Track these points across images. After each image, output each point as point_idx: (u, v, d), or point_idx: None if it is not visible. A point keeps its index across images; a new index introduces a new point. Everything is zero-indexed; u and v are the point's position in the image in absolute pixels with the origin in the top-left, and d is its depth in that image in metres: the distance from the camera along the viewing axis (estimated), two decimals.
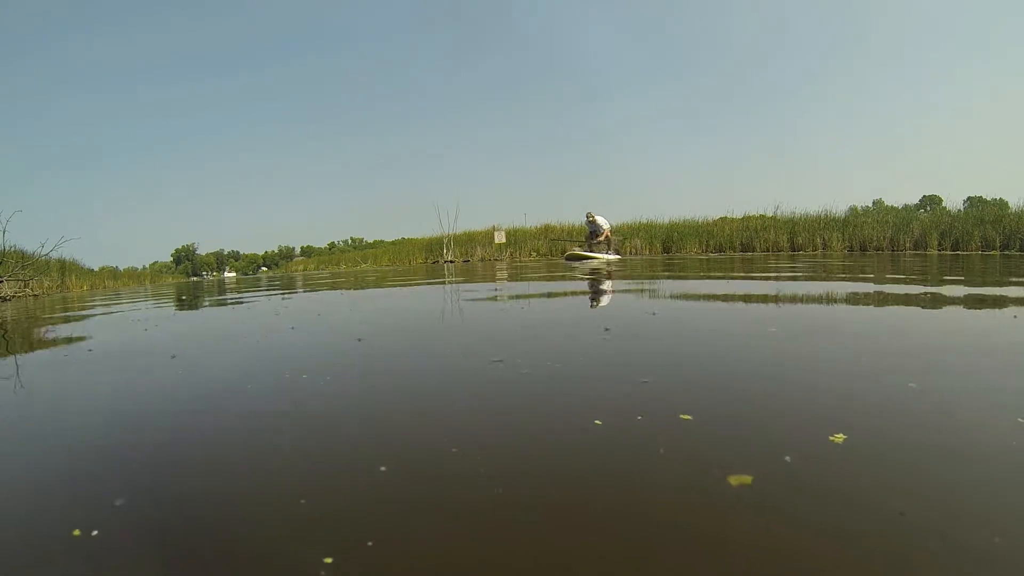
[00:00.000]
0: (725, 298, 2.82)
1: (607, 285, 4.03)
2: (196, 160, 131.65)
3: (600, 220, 12.17)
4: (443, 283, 5.26)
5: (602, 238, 12.14)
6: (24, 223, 36.54)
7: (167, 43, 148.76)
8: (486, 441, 0.86)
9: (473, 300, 3.32)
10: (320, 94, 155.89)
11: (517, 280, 5.24)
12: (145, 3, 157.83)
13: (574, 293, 3.59)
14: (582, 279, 4.88)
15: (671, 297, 2.98)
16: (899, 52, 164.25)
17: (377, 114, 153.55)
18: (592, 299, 3.15)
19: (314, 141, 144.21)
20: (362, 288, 5.38)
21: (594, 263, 9.74)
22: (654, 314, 2.22)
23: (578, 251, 12.01)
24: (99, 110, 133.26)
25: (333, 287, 5.95)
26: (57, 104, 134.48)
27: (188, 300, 5.41)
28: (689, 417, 0.90)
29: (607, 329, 1.83)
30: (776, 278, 4.11)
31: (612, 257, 11.75)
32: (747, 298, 2.78)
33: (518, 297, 3.38)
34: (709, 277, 4.53)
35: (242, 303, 4.43)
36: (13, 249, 10.23)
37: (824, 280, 3.86)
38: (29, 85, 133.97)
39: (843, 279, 3.90)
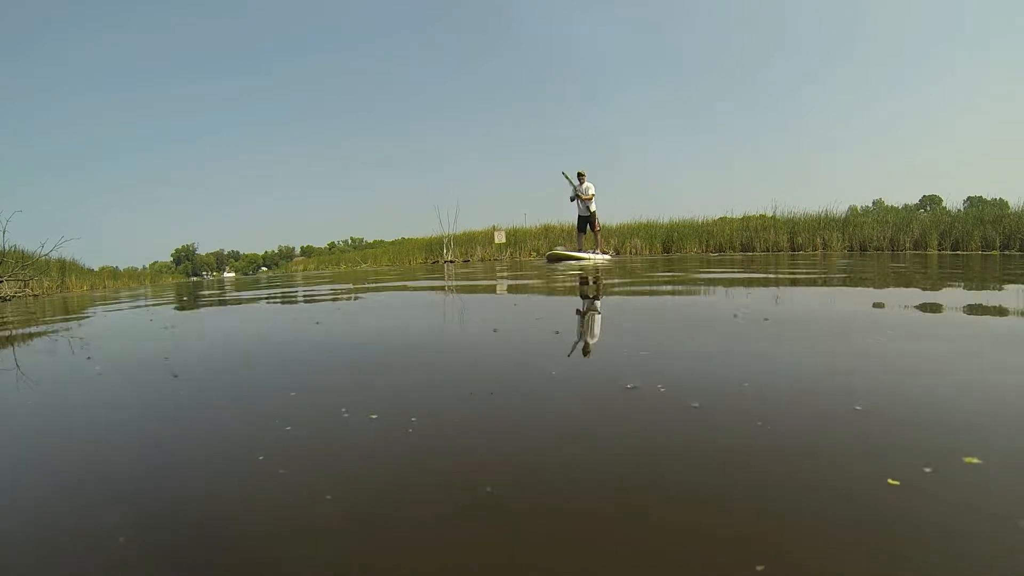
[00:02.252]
0: (813, 282, 2.81)
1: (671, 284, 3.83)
2: (196, 160, 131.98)
3: (589, 185, 10.21)
4: (493, 288, 5.12)
5: (587, 197, 10.09)
6: (24, 223, 36.48)
7: (167, 43, 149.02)
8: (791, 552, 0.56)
9: (530, 301, 3.24)
10: (320, 94, 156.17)
11: (544, 281, 5.21)
12: (145, 3, 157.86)
13: (640, 293, 3.50)
14: (633, 278, 4.83)
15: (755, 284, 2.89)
16: (899, 52, 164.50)
17: (377, 114, 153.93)
18: (668, 301, 3.00)
19: (314, 141, 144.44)
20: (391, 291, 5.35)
21: (582, 263, 9.16)
22: (766, 319, 2.05)
23: (560, 250, 10.78)
24: (99, 110, 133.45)
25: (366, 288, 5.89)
26: (57, 104, 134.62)
27: (191, 310, 5.37)
28: (977, 461, 0.73)
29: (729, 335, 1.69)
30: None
31: (601, 257, 10.68)
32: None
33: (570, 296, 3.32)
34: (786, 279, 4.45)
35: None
36: (13, 249, 10.22)
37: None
38: (29, 85, 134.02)
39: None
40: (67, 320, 3.80)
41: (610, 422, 0.96)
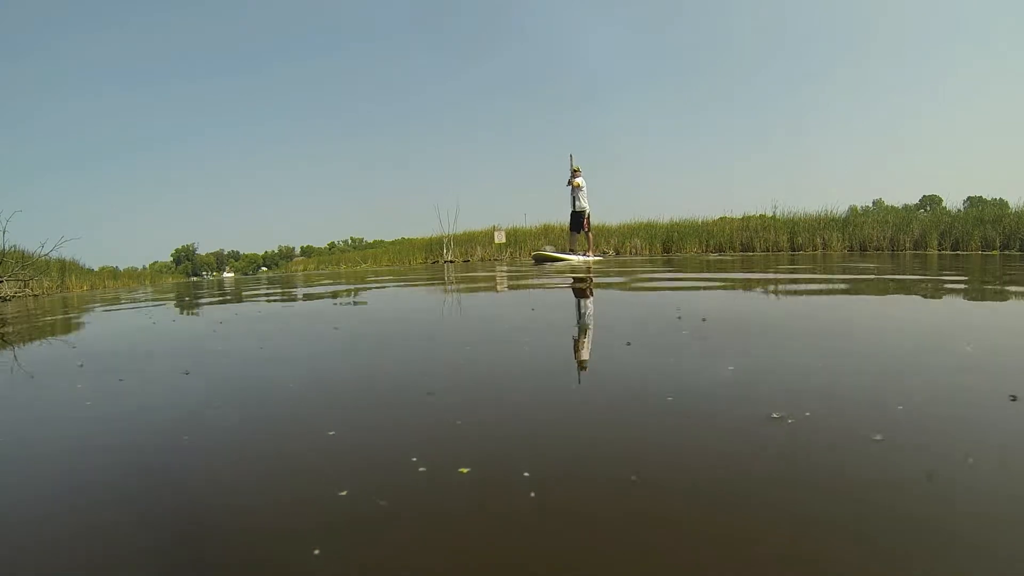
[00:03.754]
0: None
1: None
2: (196, 160, 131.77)
3: (579, 179, 10.06)
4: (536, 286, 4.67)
5: (575, 183, 10.03)
6: (24, 223, 36.47)
7: (167, 43, 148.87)
8: None
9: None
10: (320, 94, 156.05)
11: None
12: (145, 3, 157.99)
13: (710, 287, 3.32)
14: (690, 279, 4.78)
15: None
16: (899, 52, 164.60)
17: (377, 114, 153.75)
18: (705, 301, 2.82)
19: (314, 141, 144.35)
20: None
21: (572, 263, 8.94)
22: (845, 327, 1.83)
23: (547, 251, 10.47)
24: (99, 110, 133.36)
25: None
26: (57, 104, 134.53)
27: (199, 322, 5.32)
28: None
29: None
30: None
31: (593, 257, 10.44)
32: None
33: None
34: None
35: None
36: (13, 249, 10.23)
37: None
38: (29, 85, 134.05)
39: None
40: (74, 319, 3.79)
41: (800, 478, 0.73)
